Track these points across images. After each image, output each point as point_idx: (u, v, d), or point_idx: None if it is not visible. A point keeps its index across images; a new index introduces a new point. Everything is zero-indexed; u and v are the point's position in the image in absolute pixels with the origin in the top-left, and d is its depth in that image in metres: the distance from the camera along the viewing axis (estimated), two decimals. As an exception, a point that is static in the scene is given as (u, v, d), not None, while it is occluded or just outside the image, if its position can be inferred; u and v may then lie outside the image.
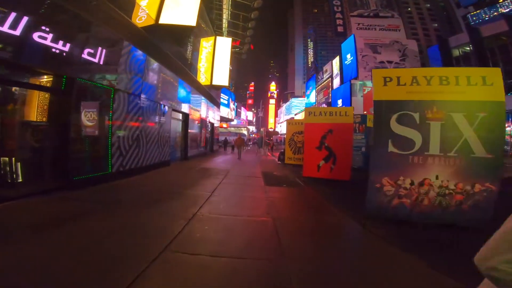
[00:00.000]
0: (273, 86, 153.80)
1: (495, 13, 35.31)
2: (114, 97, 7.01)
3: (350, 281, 2.75)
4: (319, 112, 9.06)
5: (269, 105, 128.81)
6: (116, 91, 7.07)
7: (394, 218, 4.43)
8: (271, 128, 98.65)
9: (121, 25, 7.34)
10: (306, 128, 9.15)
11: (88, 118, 6.48)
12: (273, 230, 4.04)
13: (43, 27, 4.99)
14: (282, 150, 17.64)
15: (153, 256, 2.96)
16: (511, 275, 0.85)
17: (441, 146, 4.13)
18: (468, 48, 32.55)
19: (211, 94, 21.78)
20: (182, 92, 12.91)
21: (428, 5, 62.91)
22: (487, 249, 0.94)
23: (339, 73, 51.34)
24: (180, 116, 13.43)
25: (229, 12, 28.69)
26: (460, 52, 33.58)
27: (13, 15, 4.39)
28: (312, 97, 65.44)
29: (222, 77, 24.71)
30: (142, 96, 8.43)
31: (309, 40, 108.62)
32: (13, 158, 5.15)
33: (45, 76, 5.81)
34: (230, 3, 29.10)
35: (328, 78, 57.80)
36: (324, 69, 62.11)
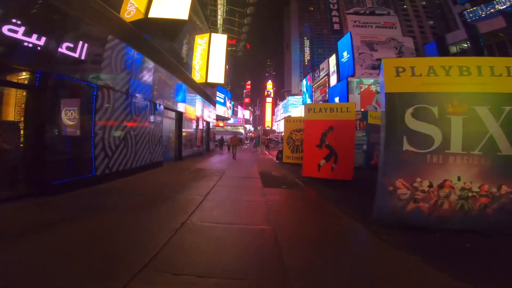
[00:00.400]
0: (269, 85, 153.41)
1: (492, 10, 35.13)
2: (97, 94, 6.43)
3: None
4: (319, 108, 8.55)
5: (266, 104, 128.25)
6: (99, 88, 6.49)
7: (408, 224, 3.94)
8: (268, 126, 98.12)
9: (104, 18, 6.74)
10: (306, 125, 8.64)
11: (68, 117, 5.91)
12: (274, 242, 3.52)
13: (14, 20, 4.47)
14: (281, 149, 17.20)
15: (128, 276, 2.44)
16: None
17: (464, 144, 3.64)
18: (466, 45, 32.24)
19: (207, 92, 21.21)
20: (175, 90, 12.33)
21: (424, 3, 62.80)
22: None
23: (335, 70, 51.09)
24: (173, 114, 12.86)
25: (224, 8, 28.08)
26: (458, 49, 33.26)
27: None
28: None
29: (217, 75, 24.12)
30: (131, 93, 7.86)
31: (305, 38, 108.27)
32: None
33: (24, 73, 5.26)
34: (225, -2, 28.55)
35: (324, 76, 57.55)
36: (320, 67, 61.82)
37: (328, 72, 55.01)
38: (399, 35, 50.27)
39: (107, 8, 6.90)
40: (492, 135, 3.57)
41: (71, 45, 5.67)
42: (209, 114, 21.86)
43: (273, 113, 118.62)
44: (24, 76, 5.31)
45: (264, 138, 25.36)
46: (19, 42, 4.61)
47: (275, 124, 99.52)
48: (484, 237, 3.64)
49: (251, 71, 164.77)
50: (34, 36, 4.84)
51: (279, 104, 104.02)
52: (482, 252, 3.36)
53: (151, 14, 10.04)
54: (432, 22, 59.27)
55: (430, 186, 3.77)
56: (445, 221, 3.83)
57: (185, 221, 4.16)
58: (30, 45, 4.80)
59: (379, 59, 46.18)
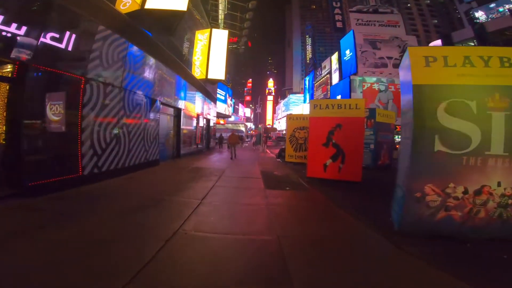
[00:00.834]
0: (270, 83, 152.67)
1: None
2: (85, 88, 5.87)
3: None
4: (325, 105, 7.97)
5: (267, 102, 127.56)
6: (87, 81, 5.93)
7: (435, 234, 3.39)
8: (269, 124, 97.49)
9: (93, 7, 6.18)
10: (311, 122, 8.06)
11: (54, 111, 5.36)
12: (279, 257, 2.97)
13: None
14: (283, 147, 16.63)
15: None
16: None
17: (506, 144, 3.08)
18: (473, 44, 31.53)
19: (207, 89, 20.63)
20: (174, 86, 11.76)
21: (428, 1, 62.03)
22: None
23: (338, 68, 50.54)
24: (171, 111, 12.29)
25: (226, 3, 27.43)
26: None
27: None
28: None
29: (218, 71, 23.53)
30: (124, 87, 7.29)
31: (307, 36, 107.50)
32: None
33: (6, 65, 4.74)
34: (226, -7, 27.88)
35: (326, 74, 56.97)
36: (322, 65, 61.23)
37: (330, 70, 54.44)
38: (402, 33, 49.64)
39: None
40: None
41: (57, 36, 5.18)
42: (210, 111, 21.29)
43: (274, 111, 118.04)
44: (6, 68, 4.80)
45: (264, 136, 24.79)
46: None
47: (276, 122, 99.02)
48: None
49: (252, 69, 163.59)
50: (14, 25, 4.43)
51: (280, 102, 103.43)
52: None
53: (148, 5, 9.48)
54: (436, 21, 58.58)
55: (465, 192, 3.21)
56: (479, 230, 3.30)
57: (177, 229, 3.61)
58: (9, 34, 4.38)
59: (382, 58, 45.91)
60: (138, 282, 2.33)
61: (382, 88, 44.00)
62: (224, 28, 27.36)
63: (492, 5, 38.97)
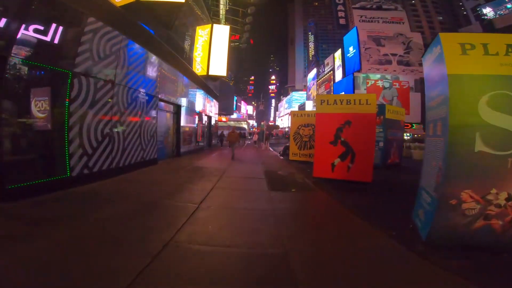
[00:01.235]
0: (273, 81, 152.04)
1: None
2: (72, 82, 5.38)
3: None
4: (333, 100, 7.44)
5: (270, 99, 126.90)
6: (75, 75, 5.44)
7: (469, 244, 2.89)
8: (271, 122, 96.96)
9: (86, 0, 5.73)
10: (318, 119, 7.54)
11: (39, 108, 4.92)
12: (289, 277, 2.49)
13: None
14: (287, 145, 16.18)
15: None
16: None
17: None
18: None
19: (209, 85, 20.11)
20: (173, 82, 11.28)
21: (433, -3, 60.95)
22: None
23: (341, 65, 49.95)
24: (171, 108, 11.81)
25: (227, -2, 26.87)
26: None
27: None
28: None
29: (219, 67, 23.01)
30: (117, 83, 6.80)
31: (309, 33, 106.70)
32: None
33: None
34: (227, -13, 27.26)
35: (329, 71, 56.38)
36: (325, 63, 60.62)
37: (333, 67, 53.85)
38: (407, 30, 49.00)
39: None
40: None
41: (41, 28, 4.74)
42: (211, 108, 20.78)
43: (276, 109, 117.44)
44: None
45: (267, 133, 24.29)
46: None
47: (278, 119, 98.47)
48: None
49: (255, 66, 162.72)
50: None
51: (282, 100, 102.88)
52: None
53: (143, -5, 8.99)
54: (441, 18, 57.59)
55: (509, 199, 2.70)
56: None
57: (168, 241, 3.13)
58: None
59: (387, 54, 45.26)
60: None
61: (387, 85, 43.35)
62: (226, 23, 26.76)
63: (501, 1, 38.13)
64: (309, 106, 63.13)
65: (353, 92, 34.08)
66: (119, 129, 6.99)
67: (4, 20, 4.19)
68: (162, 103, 10.58)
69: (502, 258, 2.86)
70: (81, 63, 5.59)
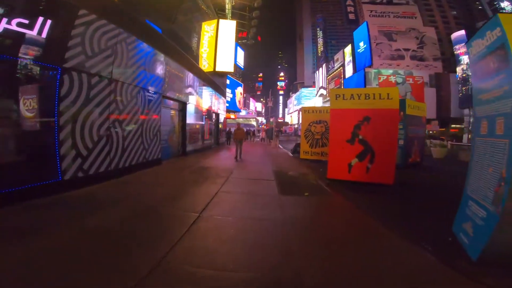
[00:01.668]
0: (281, 77, 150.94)
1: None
2: (62, 79, 4.90)
3: None
4: (350, 95, 6.76)
5: (278, 96, 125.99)
6: (66, 71, 4.96)
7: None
8: (280, 119, 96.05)
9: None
10: (333, 115, 6.89)
11: (27, 107, 4.47)
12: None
13: None
14: (298, 142, 15.62)
15: None
16: None
17: None
18: None
19: (215, 82, 19.58)
20: (178, 78, 10.77)
21: (446, -8, 58.77)
22: None
23: (351, 61, 48.94)
24: (176, 105, 11.32)
25: (233, -8, 26.23)
26: None
27: None
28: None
29: (226, 63, 22.52)
30: (114, 79, 6.30)
31: (318, 29, 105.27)
32: None
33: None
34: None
35: (339, 67, 55.30)
36: (335, 58, 59.53)
37: (343, 63, 52.77)
38: (420, 25, 47.54)
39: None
40: None
41: (26, 22, 4.30)
42: (218, 105, 20.26)
43: (285, 105, 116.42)
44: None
45: (276, 130, 23.67)
46: None
47: (287, 116, 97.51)
48: None
49: (263, 63, 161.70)
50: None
51: (291, 96, 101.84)
52: None
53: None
54: (455, 12, 55.55)
55: None
56: None
57: (159, 261, 2.60)
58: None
59: (399, 49, 44.04)
60: None
61: (399, 80, 42.02)
62: (232, 19, 26.13)
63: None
64: (319, 103, 62.10)
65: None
66: (118, 128, 6.51)
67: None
68: (166, 100, 10.10)
69: None
70: (72, 58, 5.09)
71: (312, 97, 73.77)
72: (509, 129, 2.26)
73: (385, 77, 43.23)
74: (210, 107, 17.30)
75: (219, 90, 20.59)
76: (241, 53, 29.61)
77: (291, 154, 14.71)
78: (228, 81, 29.48)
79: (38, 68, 4.53)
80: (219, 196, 5.23)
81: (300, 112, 14.20)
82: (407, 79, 41.88)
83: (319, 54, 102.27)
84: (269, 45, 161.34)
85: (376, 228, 3.79)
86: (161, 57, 9.01)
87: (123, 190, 5.46)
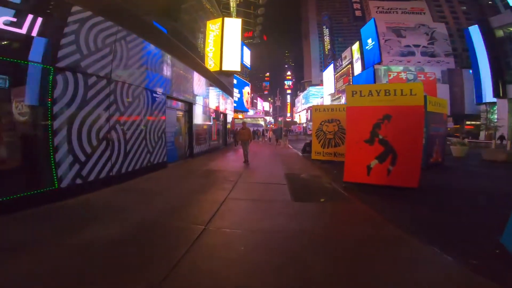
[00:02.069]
0: (289, 76, 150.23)
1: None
2: (55, 80, 4.53)
3: None
4: (368, 91, 6.22)
5: (286, 95, 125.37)
6: (59, 70, 4.59)
7: None
8: (288, 118, 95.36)
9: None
10: (349, 113, 6.36)
11: (19, 110, 4.13)
12: None
13: None
14: (308, 141, 15.19)
15: None
16: None
17: None
18: None
19: (223, 81, 19.20)
20: (183, 78, 10.41)
21: (455, -13, 57.28)
22: None
23: (359, 58, 48.30)
24: (182, 106, 10.95)
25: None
26: (505, 32, 28.92)
27: None
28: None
29: (233, 62, 22.13)
30: (113, 79, 5.92)
31: (324, 27, 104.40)
32: None
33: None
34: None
35: (347, 64, 54.62)
36: (342, 56, 58.90)
37: (352, 61, 52.10)
38: (429, 20, 46.51)
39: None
40: None
41: (14, 20, 3.99)
42: (226, 105, 19.86)
43: (293, 104, 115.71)
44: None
45: (285, 130, 23.22)
46: None
47: (296, 115, 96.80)
48: None
49: (270, 63, 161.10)
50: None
51: (299, 95, 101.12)
52: None
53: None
54: (465, 8, 54.02)
55: None
56: None
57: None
58: None
59: (409, 46, 43.22)
60: None
61: (411, 77, 41.02)
62: (237, 16, 25.74)
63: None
64: (327, 101, 61.23)
65: (375, 85, 32.13)
66: (119, 131, 6.13)
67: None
68: (172, 101, 9.73)
69: None
70: (65, 57, 4.72)
71: (320, 96, 72.92)
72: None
73: (396, 73, 42.28)
74: (218, 107, 16.92)
75: (226, 90, 20.21)
76: (247, 53, 29.23)
77: (301, 154, 14.27)
78: (235, 81, 29.13)
79: (29, 68, 4.17)
80: (227, 204, 4.78)
81: (310, 111, 13.70)
82: (419, 75, 40.86)
83: (326, 52, 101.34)
84: (275, 44, 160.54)
85: (409, 242, 3.28)
86: (165, 56, 8.63)
87: (124, 198, 5.07)
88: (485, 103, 31.05)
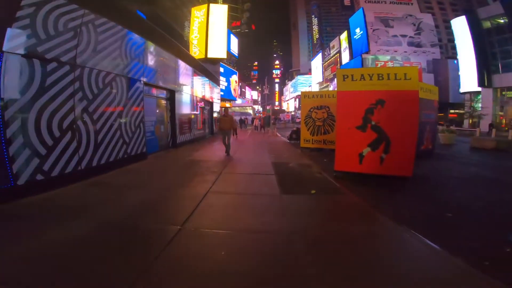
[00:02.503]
0: (277, 66, 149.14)
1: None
2: (5, 66, 3.88)
3: None
4: (360, 75, 5.79)
5: (274, 84, 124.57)
6: (8, 56, 3.93)
7: None
8: (277, 107, 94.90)
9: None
10: (340, 98, 5.94)
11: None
12: None
13: None
14: (295, 129, 15.19)
15: None
16: None
17: None
18: (502, 20, 28.05)
19: (208, 69, 18.44)
20: (163, 64, 9.71)
21: (441, -22, 57.37)
22: None
23: (347, 47, 48.43)
24: (163, 93, 10.28)
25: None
26: (492, 24, 29.10)
27: None
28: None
29: (218, 49, 21.34)
30: (79, 64, 5.25)
31: (313, 16, 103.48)
32: None
33: None
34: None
35: (335, 53, 54.60)
36: (330, 45, 58.75)
37: (340, 50, 52.14)
38: (416, 11, 46.62)
39: None
40: None
41: None
42: (212, 93, 19.13)
43: (281, 93, 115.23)
44: None
45: (273, 118, 22.89)
46: None
47: (284, 103, 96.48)
48: None
49: (258, 52, 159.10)
50: None
51: (287, 84, 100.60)
52: None
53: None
54: (452, -1, 54.42)
55: None
56: None
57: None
58: None
59: (396, 36, 43.55)
60: None
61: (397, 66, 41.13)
62: (223, 3, 24.73)
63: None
64: (315, 90, 61.07)
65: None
66: (88, 121, 5.51)
67: None
68: (151, 89, 9.07)
69: None
70: (18, 42, 4.06)
71: (308, 84, 72.65)
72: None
73: (383, 63, 42.39)
74: (203, 95, 16.23)
75: (213, 78, 19.44)
76: (234, 41, 28.32)
77: (289, 141, 14.29)
78: (222, 69, 28.24)
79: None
80: (209, 198, 4.32)
81: (298, 99, 13.33)
82: (405, 65, 41.01)
83: (315, 42, 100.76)
84: (264, 33, 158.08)
85: (413, 243, 2.93)
86: (141, 41, 7.90)
87: (92, 194, 4.52)
88: (470, 92, 31.53)
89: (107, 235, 2.94)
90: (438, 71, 40.45)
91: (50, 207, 3.83)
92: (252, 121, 30.68)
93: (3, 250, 2.52)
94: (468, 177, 6.37)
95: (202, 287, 2.10)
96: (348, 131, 5.77)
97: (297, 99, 67.93)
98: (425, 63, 41.50)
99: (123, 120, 6.76)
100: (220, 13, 21.82)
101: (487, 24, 29.43)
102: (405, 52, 43.66)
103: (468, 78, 31.37)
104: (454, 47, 36.36)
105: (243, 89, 64.07)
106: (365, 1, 48.86)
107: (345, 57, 49.40)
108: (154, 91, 9.43)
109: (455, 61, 36.44)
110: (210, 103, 18.53)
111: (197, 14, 21.42)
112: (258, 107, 70.00)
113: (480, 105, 27.74)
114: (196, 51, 20.24)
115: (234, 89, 35.71)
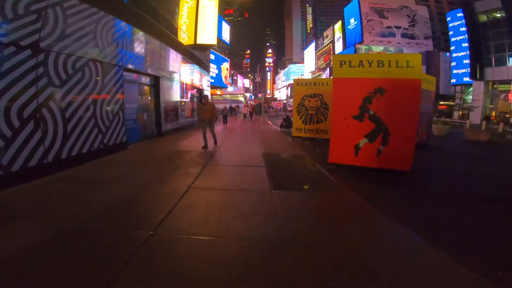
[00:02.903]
0: (269, 54, 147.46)
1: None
2: None
3: None
4: (358, 62, 5.33)
5: (266, 72, 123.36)
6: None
7: None
8: (268, 95, 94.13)
9: None
10: (337, 86, 5.48)
11: None
12: None
13: None
14: (285, 116, 14.94)
15: None
16: None
17: None
18: (499, 15, 27.84)
19: (197, 56, 17.63)
20: (145, 49, 8.99)
21: (437, -30, 56.83)
22: None
23: (341, 37, 48.11)
24: (146, 80, 9.61)
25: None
26: (488, 18, 28.92)
27: None
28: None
29: (208, 36, 20.49)
30: (44, 48, 4.62)
31: (307, 5, 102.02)
32: None
33: None
34: None
35: (329, 43, 54.19)
36: (324, 35, 58.18)
37: (333, 39, 51.81)
38: (412, 3, 46.10)
39: None
40: None
41: None
42: (202, 80, 18.36)
43: (273, 82, 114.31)
44: None
45: (265, 106, 22.36)
46: None
47: (276, 92, 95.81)
48: None
49: (251, 40, 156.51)
50: None
51: (280, 72, 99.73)
52: None
53: None
54: (447, -8, 53.99)
55: None
56: None
57: None
58: None
59: (390, 27, 43.43)
60: None
61: (391, 57, 40.94)
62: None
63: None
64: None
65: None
66: (56, 109, 4.91)
67: None
68: (133, 74, 8.40)
69: None
70: None
71: (301, 73, 72.04)
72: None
73: (376, 53, 42.09)
74: (192, 82, 15.52)
75: (202, 64, 18.63)
76: (226, 28, 27.37)
77: (280, 128, 14.20)
78: (212, 56, 27.32)
79: None
80: (190, 195, 3.85)
81: (290, 88, 12.89)
82: (398, 56, 40.75)
83: (308, 31, 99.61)
84: (257, 22, 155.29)
85: (417, 244, 2.55)
86: (119, 23, 7.17)
87: (56, 191, 3.98)
88: (461, 85, 31.68)
89: (64, 243, 2.45)
90: (431, 63, 40.50)
91: (3, 206, 3.29)
92: (234, 110, 29.23)
93: None
94: (470, 172, 6.08)
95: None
96: (345, 121, 5.36)
97: (289, 88, 67.43)
98: (418, 55, 41.53)
99: (98, 108, 6.15)
100: (210, -1, 20.85)
101: (483, 18, 29.28)
102: (398, 43, 43.50)
103: (460, 71, 31.47)
104: (447, 40, 36.30)
105: (235, 77, 62.97)
106: (360, -8, 48.21)
107: (339, 47, 49.05)
108: (136, 77, 8.76)
109: (448, 54, 36.54)
110: (199, 90, 17.81)
111: (186, -1, 20.40)
112: (249, 95, 69.17)
113: (471, 97, 27.85)
114: (184, 37, 19.35)
115: (225, 77, 34.86)
